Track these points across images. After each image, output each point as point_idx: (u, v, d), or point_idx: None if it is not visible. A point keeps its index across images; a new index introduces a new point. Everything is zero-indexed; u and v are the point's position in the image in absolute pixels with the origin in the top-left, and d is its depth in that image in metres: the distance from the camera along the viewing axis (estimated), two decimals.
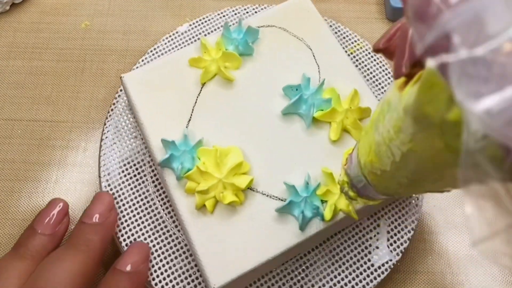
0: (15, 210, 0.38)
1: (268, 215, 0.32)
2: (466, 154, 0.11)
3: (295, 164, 0.33)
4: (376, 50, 0.19)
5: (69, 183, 0.39)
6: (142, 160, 0.38)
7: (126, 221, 0.35)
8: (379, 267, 0.34)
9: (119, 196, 0.36)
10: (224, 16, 0.43)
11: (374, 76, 0.41)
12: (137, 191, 0.37)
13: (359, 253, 0.35)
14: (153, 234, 0.35)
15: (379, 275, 0.34)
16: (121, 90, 0.40)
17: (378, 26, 0.46)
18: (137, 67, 0.41)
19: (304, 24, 0.38)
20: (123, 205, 0.36)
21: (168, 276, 0.34)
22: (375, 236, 0.35)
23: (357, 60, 0.42)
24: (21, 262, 0.31)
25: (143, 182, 0.37)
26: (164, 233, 0.35)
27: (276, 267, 0.34)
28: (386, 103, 0.18)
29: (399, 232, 0.36)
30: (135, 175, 0.37)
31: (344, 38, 0.42)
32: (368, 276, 0.34)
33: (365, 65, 0.41)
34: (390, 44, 0.18)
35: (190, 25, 0.43)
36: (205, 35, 0.42)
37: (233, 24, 0.38)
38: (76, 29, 0.45)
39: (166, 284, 0.33)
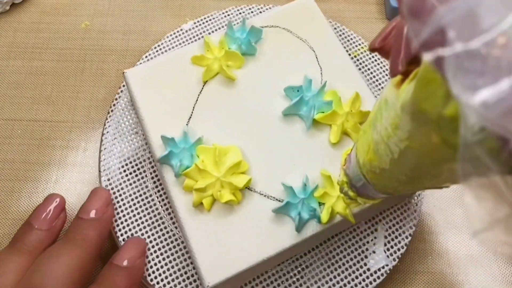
0: (15, 210, 0.38)
1: (265, 215, 0.32)
2: (464, 147, 0.11)
3: (294, 165, 0.33)
4: (372, 49, 0.19)
5: (69, 183, 0.39)
6: (142, 156, 0.38)
7: (124, 216, 0.36)
8: (375, 272, 0.34)
9: (118, 191, 0.36)
10: (228, 15, 0.43)
11: (377, 80, 0.41)
12: (136, 186, 0.37)
13: (355, 257, 0.35)
14: (151, 230, 0.35)
15: (375, 280, 0.34)
16: (123, 86, 0.40)
17: (378, 26, 0.46)
18: (140, 63, 0.41)
19: (308, 26, 0.38)
20: (122, 200, 0.36)
21: (164, 272, 0.34)
22: (372, 240, 0.35)
23: (360, 64, 0.42)
24: (18, 257, 0.31)
25: (142, 178, 0.37)
26: (161, 230, 0.35)
27: (271, 267, 0.34)
28: (383, 101, 0.18)
29: (396, 237, 0.35)
30: (134, 171, 0.37)
31: (348, 41, 0.42)
32: (363, 280, 0.34)
33: (369, 69, 0.41)
34: (386, 43, 0.19)
35: (195, 23, 0.43)
36: (209, 33, 0.42)
37: (237, 23, 0.38)
38: (76, 29, 0.45)
39: (162, 280, 0.33)
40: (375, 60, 0.42)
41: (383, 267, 0.34)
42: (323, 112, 0.34)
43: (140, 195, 0.36)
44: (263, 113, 0.35)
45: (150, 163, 0.37)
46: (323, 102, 0.34)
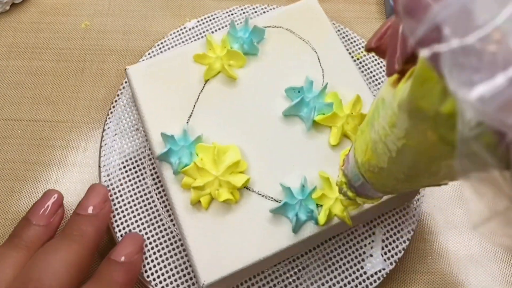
0: (15, 210, 0.38)
1: (262, 215, 0.32)
2: (461, 143, 0.12)
3: (293, 166, 0.33)
4: (368, 49, 0.19)
5: (69, 183, 0.39)
6: (142, 153, 0.38)
7: (122, 212, 0.36)
8: (372, 275, 0.34)
9: (117, 187, 0.36)
10: (232, 14, 0.44)
11: (379, 83, 0.41)
12: (136, 183, 0.37)
13: (352, 259, 0.35)
14: (148, 226, 0.35)
15: (371, 283, 0.34)
16: (125, 82, 0.40)
17: (378, 26, 0.45)
18: (143, 60, 0.41)
19: (311, 27, 0.38)
20: (121, 195, 0.36)
21: (161, 269, 0.34)
22: (369, 243, 0.35)
23: (363, 66, 0.42)
24: (15, 252, 0.31)
25: (142, 174, 0.37)
26: (159, 227, 0.35)
27: (268, 267, 0.34)
28: (381, 100, 0.18)
29: (394, 241, 0.35)
30: (134, 168, 0.37)
31: (351, 43, 0.42)
32: (360, 283, 0.34)
33: (371, 71, 0.41)
34: (382, 42, 0.19)
35: (198, 21, 0.43)
36: (212, 32, 0.43)
37: (240, 22, 0.38)
38: (76, 29, 0.45)
39: (158, 277, 0.33)
40: (378, 63, 0.42)
41: (379, 271, 0.34)
42: (323, 114, 0.34)
43: (139, 192, 0.36)
44: (263, 113, 0.35)
45: (150, 160, 0.38)
46: (324, 104, 0.34)
